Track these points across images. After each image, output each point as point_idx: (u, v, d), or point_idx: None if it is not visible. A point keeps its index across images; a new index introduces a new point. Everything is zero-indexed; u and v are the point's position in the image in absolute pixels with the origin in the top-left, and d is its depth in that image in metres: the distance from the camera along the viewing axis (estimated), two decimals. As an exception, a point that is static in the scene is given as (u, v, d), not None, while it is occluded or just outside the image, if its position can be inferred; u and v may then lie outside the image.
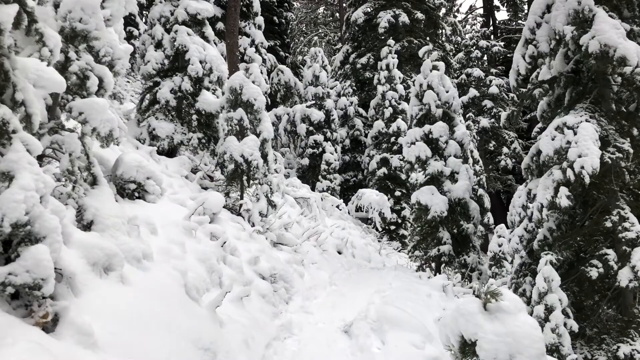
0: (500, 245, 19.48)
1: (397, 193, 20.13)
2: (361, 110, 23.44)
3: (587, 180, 9.03)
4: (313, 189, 19.98)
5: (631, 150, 9.52)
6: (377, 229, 18.93)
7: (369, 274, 11.49)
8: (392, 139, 20.48)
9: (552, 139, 9.82)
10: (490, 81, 33.43)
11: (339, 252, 12.88)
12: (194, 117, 9.17)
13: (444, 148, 12.59)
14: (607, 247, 9.63)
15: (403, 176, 20.28)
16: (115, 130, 6.22)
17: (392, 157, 20.30)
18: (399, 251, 18.98)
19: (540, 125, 19.46)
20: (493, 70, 33.59)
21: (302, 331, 6.31)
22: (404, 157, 20.45)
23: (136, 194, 6.71)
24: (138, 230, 5.18)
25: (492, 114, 32.80)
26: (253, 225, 8.48)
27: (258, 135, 8.81)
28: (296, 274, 8.13)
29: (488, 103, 32.77)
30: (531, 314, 10.74)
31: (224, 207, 8.62)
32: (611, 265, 9.23)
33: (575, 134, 9.51)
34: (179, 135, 9.17)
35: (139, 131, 9.27)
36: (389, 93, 20.84)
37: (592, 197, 9.79)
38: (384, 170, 20.25)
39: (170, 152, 9.52)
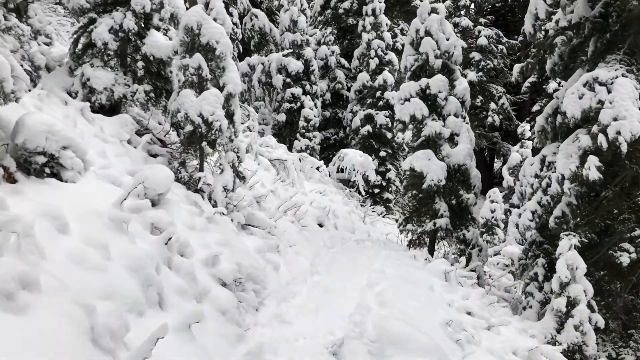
0: (493, 212, 18.13)
1: (382, 153, 18.45)
2: (343, 61, 21.41)
3: (624, 148, 7.43)
4: (290, 148, 18.16)
5: (675, 113, 7.88)
6: (360, 193, 17.32)
7: (356, 253, 9.87)
8: (378, 94, 18.63)
9: (580, 98, 8.14)
10: (479, 32, 31.44)
11: (320, 225, 11.22)
12: (140, 64, 7.21)
13: (442, 106, 10.83)
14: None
15: (389, 135, 18.55)
16: (7, 80, 4.33)
17: (377, 114, 18.51)
18: (383, 216, 17.47)
19: (556, 82, 17.61)
20: (482, 20, 31.61)
21: (277, 357, 4.68)
22: (390, 114, 18.73)
23: (47, 170, 4.86)
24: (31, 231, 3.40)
25: (480, 67, 31.03)
26: (215, 204, 6.72)
27: (222, 89, 6.94)
28: (270, 267, 6.44)
29: (476, 55, 30.91)
30: (545, 303, 9.34)
31: (178, 181, 6.82)
32: (652, 250, 7.75)
33: (609, 91, 7.83)
34: (121, 88, 7.24)
35: (71, 82, 7.32)
36: (375, 42, 18.85)
37: (624, 168, 8.21)
38: (368, 128, 18.48)
39: (113, 109, 7.61)
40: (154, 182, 5.36)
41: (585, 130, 8.24)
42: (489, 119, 29.74)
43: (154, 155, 7.15)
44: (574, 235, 8.09)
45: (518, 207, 17.93)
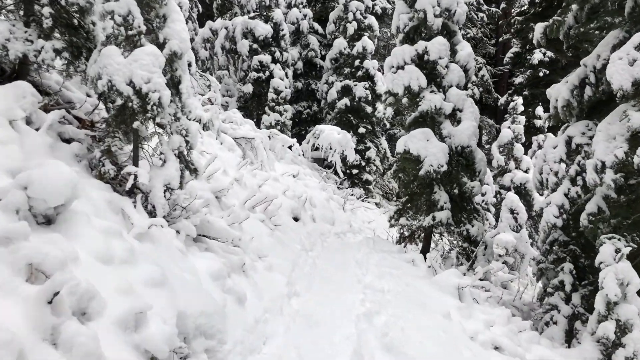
0: (483, 195, 16.49)
1: (361, 130, 16.55)
2: (317, 26, 19.28)
3: (695, 130, 5.65)
4: (258, 124, 16.11)
5: None
6: (337, 174, 15.47)
7: (340, 255, 8.03)
8: (357, 62, 16.63)
9: (631, 64, 6.33)
10: (459, -2, 29.72)
11: (296, 219, 9.33)
12: (47, 10, 5.06)
13: (443, 75, 8.95)
14: None
15: (369, 109, 16.64)
16: None
17: (355, 85, 16.53)
18: (363, 200, 15.70)
19: (541, 52, 15.84)
20: (462, -14, 29.85)
21: None
22: (370, 86, 16.83)
23: None
24: None
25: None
26: (153, 211, 4.75)
27: (162, 47, 4.93)
28: (231, 301, 4.53)
29: (456, 23, 29.23)
30: (574, 319, 7.69)
31: (101, 179, 4.79)
32: None
33: (673, 56, 6.04)
34: (20, 44, 5.12)
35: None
36: (353, 3, 16.77)
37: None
38: (345, 101, 16.51)
39: (17, 75, 5.51)
40: (45, 190, 3.36)
41: (636, 106, 6.47)
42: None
43: (68, 141, 5.09)
44: (619, 239, 6.39)
45: (509, 189, 16.37)
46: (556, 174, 7.76)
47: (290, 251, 7.22)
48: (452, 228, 9.00)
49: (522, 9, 27.19)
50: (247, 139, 12.02)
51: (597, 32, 8.79)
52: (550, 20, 7.84)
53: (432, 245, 9.56)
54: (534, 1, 25.75)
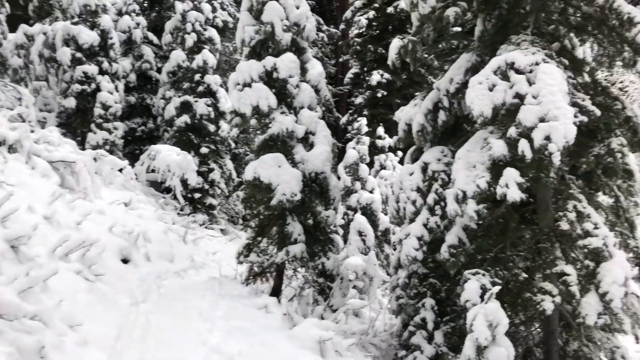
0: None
1: (204, 150, 15.24)
2: (152, 37, 17.63)
3: (556, 159, 5.47)
4: (83, 143, 14.05)
5: (598, 113, 6.20)
6: (177, 199, 14.00)
7: (181, 305, 6.75)
8: (197, 77, 15.33)
9: (491, 89, 6.04)
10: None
11: (125, 261, 7.85)
12: None
13: (294, 95, 8.16)
14: (564, 260, 6.37)
15: (211, 127, 15.41)
16: None
17: (197, 101, 15.21)
18: (207, 227, 14.38)
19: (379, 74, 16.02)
20: (303, 5, 30.01)
21: None
22: (212, 103, 15.61)
23: None
24: None
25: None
26: None
27: None
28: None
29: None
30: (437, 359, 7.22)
31: None
32: (573, 292, 5.96)
33: (530, 82, 5.85)
34: None
35: None
36: (192, 13, 15.49)
37: (545, 186, 6.36)
38: (185, 118, 15.10)
39: None
40: None
41: (497, 134, 6.20)
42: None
43: None
44: (484, 275, 6.03)
45: (356, 210, 16.20)
46: (414, 202, 7.31)
47: (117, 309, 5.80)
48: (307, 262, 8.18)
49: (360, 31, 27.82)
50: (67, 162, 10.16)
51: (443, 53, 8.69)
52: (405, 40, 7.44)
53: (286, 281, 8.67)
54: (371, 24, 26.56)
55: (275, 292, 8.10)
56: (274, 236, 8.27)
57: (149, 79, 17.28)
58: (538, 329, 7.32)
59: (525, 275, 6.50)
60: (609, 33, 6.55)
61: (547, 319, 6.68)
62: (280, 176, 7.73)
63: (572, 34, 7.21)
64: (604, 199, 7.12)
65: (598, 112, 6.10)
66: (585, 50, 7.37)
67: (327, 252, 8.39)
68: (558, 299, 5.96)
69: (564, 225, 6.12)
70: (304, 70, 8.53)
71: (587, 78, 7.02)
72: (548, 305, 5.92)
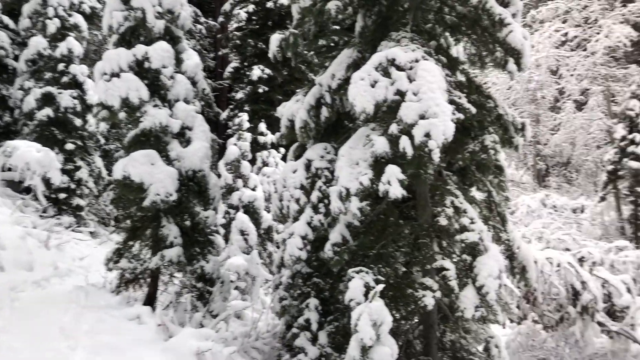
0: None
1: (70, 146, 13.96)
2: (7, 20, 15.85)
3: (436, 156, 5.51)
4: None
5: (474, 110, 6.38)
6: (38, 200, 12.68)
7: (40, 319, 5.98)
8: (61, 66, 14.01)
9: (373, 85, 5.97)
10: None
11: (-29, 273, 6.85)
12: None
13: (168, 87, 7.60)
14: (442, 255, 6.48)
15: (78, 121, 14.17)
16: None
17: (61, 93, 13.90)
18: (74, 230, 13.21)
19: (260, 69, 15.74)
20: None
21: None
22: (79, 95, 14.36)
23: None
24: None
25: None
26: None
27: None
28: None
29: (176, 34, 28.06)
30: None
31: None
32: (452, 286, 6.06)
33: (411, 79, 5.85)
34: None
35: None
36: (55, -3, 14.14)
37: (424, 182, 6.42)
38: (48, 111, 13.74)
39: None
40: None
41: (379, 130, 6.14)
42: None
43: None
44: (367, 272, 5.96)
45: (238, 208, 15.77)
46: (297, 201, 7.10)
47: (-46, 332, 4.96)
48: (185, 266, 7.67)
49: (240, 24, 27.27)
50: None
51: (324, 50, 8.55)
52: (287, 33, 7.18)
53: (162, 287, 8.08)
54: (251, 18, 26.09)
55: (150, 300, 7.51)
56: (148, 239, 7.66)
57: (4, 67, 15.53)
58: (417, 323, 7.44)
59: (407, 271, 6.54)
60: (482, 33, 6.75)
61: (426, 313, 6.76)
62: (154, 175, 7.15)
63: (447, 33, 7.38)
64: (477, 194, 7.36)
65: (474, 110, 6.25)
66: (458, 50, 7.60)
67: (207, 255, 7.94)
68: (438, 294, 6.04)
69: (443, 221, 6.21)
70: (179, 61, 7.99)
71: (461, 77, 7.20)
72: (429, 300, 5.98)
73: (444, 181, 6.52)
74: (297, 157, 7.68)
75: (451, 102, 5.96)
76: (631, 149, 22.10)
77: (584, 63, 29.12)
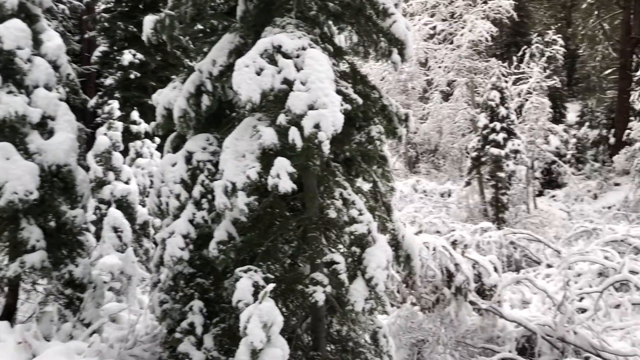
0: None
1: None
2: None
3: (326, 148, 5.37)
4: None
5: (360, 101, 6.32)
6: None
7: None
8: None
9: (258, 73, 5.68)
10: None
11: None
12: None
13: (25, 71, 6.70)
14: (332, 248, 6.37)
15: None
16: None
17: None
18: None
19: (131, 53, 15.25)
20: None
21: None
22: None
23: None
24: None
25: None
26: None
27: None
28: None
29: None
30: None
31: None
32: (342, 280, 5.98)
33: (298, 67, 5.64)
34: None
35: None
36: None
37: (312, 174, 6.24)
38: None
39: None
40: None
41: (267, 121, 5.85)
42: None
43: None
44: (256, 271, 5.69)
45: (110, 203, 14.74)
46: (178, 196, 6.60)
47: None
48: (50, 272, 6.88)
49: (108, 6, 25.48)
50: None
51: (201, 35, 8.08)
52: (162, 14, 6.62)
53: (24, 296, 7.19)
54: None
55: (8, 313, 6.65)
56: (5, 244, 6.76)
57: None
58: (305, 316, 7.32)
59: (296, 267, 6.37)
60: (365, 22, 6.69)
61: (315, 307, 6.64)
62: (10, 171, 6.29)
63: (330, 22, 7.25)
64: (363, 184, 7.36)
65: (360, 101, 6.18)
66: (341, 39, 7.51)
67: (76, 258, 7.19)
68: (329, 289, 5.92)
69: (332, 213, 6.09)
70: (37, 42, 7.10)
71: (346, 67, 7.11)
72: (320, 296, 5.84)
73: (332, 173, 6.40)
74: (176, 148, 7.17)
75: (339, 92, 5.83)
76: (492, 136, 23.83)
77: (451, 56, 30.92)
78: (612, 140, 34.42)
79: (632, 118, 28.87)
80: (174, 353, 6.57)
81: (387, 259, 6.04)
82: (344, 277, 5.90)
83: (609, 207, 28.41)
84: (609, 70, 37.03)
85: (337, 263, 5.95)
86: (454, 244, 12.33)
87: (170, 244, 6.36)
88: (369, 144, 6.51)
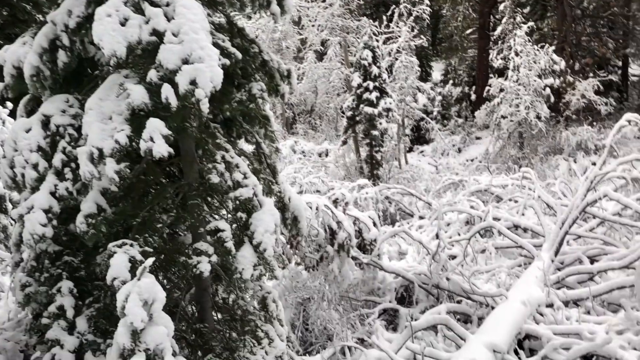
0: None
1: None
2: None
3: (205, 107, 4.95)
4: None
5: (239, 55, 5.92)
6: None
7: None
8: None
9: (123, 24, 5.05)
10: None
11: None
12: None
13: None
14: (216, 215, 5.98)
15: None
16: None
17: None
18: None
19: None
20: None
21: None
22: None
23: None
24: None
25: None
26: None
27: None
28: None
29: None
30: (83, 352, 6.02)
31: None
32: (229, 247, 5.66)
33: (169, 17, 5.10)
34: None
35: None
36: None
37: (191, 136, 5.74)
38: None
39: None
40: None
41: (132, 77, 5.23)
42: None
43: None
44: (132, 245, 5.18)
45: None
46: (35, 166, 5.79)
47: None
48: None
49: None
50: None
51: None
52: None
53: None
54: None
55: None
56: None
57: None
58: (188, 286, 6.93)
59: (177, 237, 5.92)
60: (240, -30, 6.21)
61: (199, 278, 6.26)
62: None
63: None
64: (245, 146, 7.00)
65: (239, 55, 5.76)
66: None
67: None
68: (215, 258, 5.56)
69: (214, 178, 5.68)
70: None
71: (222, 18, 6.61)
72: (205, 266, 5.47)
73: (212, 135, 5.96)
74: (30, 112, 6.29)
75: (215, 45, 5.36)
76: (366, 96, 24.32)
77: (323, 14, 30.85)
78: (473, 97, 36.83)
79: (491, 75, 30.94)
80: (43, 340, 5.89)
81: (275, 222, 5.80)
82: (230, 244, 5.57)
83: (472, 160, 30.58)
84: (470, 30, 39.25)
85: (223, 230, 5.59)
86: (335, 202, 12.42)
87: (30, 220, 5.59)
88: (250, 102, 6.13)
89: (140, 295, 4.67)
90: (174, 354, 4.99)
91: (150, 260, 4.73)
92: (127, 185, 5.75)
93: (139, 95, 5.02)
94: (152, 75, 4.99)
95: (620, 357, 8.04)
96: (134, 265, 4.97)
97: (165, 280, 6.17)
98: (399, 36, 29.82)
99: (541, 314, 9.93)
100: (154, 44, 4.98)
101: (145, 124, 5.00)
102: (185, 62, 4.90)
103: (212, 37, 5.31)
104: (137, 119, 5.08)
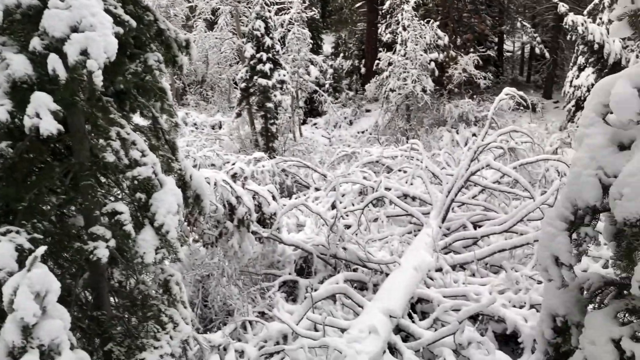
0: None
1: None
2: None
3: (98, 80, 4.60)
4: None
5: (134, 24, 5.52)
6: None
7: None
8: None
9: (-2, -15, 4.50)
10: None
11: None
12: None
13: None
14: (111, 197, 5.59)
15: None
16: None
17: None
18: None
19: None
20: None
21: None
22: None
23: None
24: None
25: None
26: None
27: None
28: None
29: None
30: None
31: None
32: (128, 231, 5.32)
33: (53, -20, 4.61)
34: None
35: None
36: None
37: (81, 111, 5.26)
38: None
39: None
40: None
41: (12, 45, 4.67)
42: None
43: None
44: (18, 232, 4.72)
45: None
46: None
47: None
48: None
49: None
50: None
51: None
52: None
53: None
54: None
55: None
56: None
57: None
58: (82, 271, 6.48)
59: (69, 221, 5.47)
60: None
61: (95, 263, 5.87)
62: None
63: None
64: (140, 120, 6.57)
65: (134, 23, 5.34)
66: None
67: None
68: (112, 243, 5.21)
69: (109, 157, 5.27)
70: None
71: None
72: (102, 252, 5.10)
73: (104, 109, 5.51)
74: None
75: (107, 12, 4.93)
76: (260, 67, 23.93)
77: (213, -19, 29.80)
78: (363, 70, 37.59)
79: (380, 49, 31.72)
80: None
81: (178, 202, 5.53)
82: (129, 227, 5.23)
83: (363, 132, 31.38)
84: (359, 4, 39.82)
85: (121, 213, 5.23)
86: (234, 177, 12.20)
87: None
88: (146, 74, 5.74)
89: (31, 288, 4.26)
90: (72, 348, 4.66)
91: (42, 249, 4.31)
92: (9, 165, 5.19)
93: (20, 66, 4.51)
94: (36, 43, 4.49)
95: (503, 315, 8.75)
96: (21, 254, 4.53)
97: (55, 267, 5.71)
98: (291, 7, 29.59)
99: (431, 278, 10.50)
100: (36, 8, 4.48)
101: (30, 98, 4.51)
102: (75, 30, 4.46)
103: (103, 3, 4.88)
104: (19, 92, 4.56)
